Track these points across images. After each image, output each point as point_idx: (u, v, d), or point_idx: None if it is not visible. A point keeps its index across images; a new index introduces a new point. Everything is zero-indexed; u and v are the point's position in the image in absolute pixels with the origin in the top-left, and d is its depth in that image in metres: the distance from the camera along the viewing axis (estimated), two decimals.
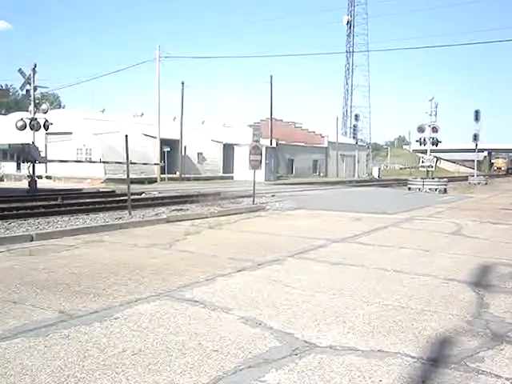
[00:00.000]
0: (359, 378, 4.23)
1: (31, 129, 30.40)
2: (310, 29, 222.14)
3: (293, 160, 64.83)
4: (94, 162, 43.00)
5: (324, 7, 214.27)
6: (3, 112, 77.90)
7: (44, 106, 31.18)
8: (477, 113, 50.73)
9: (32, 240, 11.03)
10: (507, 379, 4.26)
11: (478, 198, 28.21)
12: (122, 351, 4.71)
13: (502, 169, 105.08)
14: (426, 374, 4.35)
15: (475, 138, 52.63)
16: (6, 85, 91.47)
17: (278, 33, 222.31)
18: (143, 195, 25.35)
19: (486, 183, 48.89)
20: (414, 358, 4.68)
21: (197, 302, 6.36)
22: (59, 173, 43.66)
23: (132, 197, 16.83)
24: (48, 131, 34.61)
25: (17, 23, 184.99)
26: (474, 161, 64.63)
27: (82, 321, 5.55)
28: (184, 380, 4.14)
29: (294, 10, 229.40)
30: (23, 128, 30.43)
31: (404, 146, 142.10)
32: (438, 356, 4.75)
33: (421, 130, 38.78)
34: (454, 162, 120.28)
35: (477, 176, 53.49)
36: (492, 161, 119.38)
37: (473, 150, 72.42)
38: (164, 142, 47.19)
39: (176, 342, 4.94)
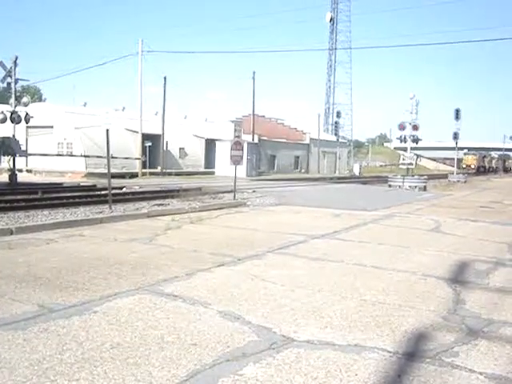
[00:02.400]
0: (336, 371, 4.29)
1: (12, 122, 30.17)
2: (294, 25, 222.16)
3: (275, 156, 64.89)
4: (74, 156, 42.82)
5: (308, 4, 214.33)
6: None
7: (25, 99, 30.99)
8: (457, 111, 51.05)
9: (11, 234, 10.97)
10: (481, 373, 4.34)
11: (458, 195, 28.45)
12: (101, 345, 4.72)
13: (472, 166, 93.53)
14: (402, 368, 4.41)
15: (455, 136, 52.97)
16: None
17: (261, 29, 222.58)
18: (124, 190, 25.28)
19: (466, 181, 49.25)
20: (390, 352, 4.74)
21: (176, 296, 6.39)
22: (40, 166, 43.39)
23: (113, 191, 16.80)
24: (29, 125, 34.40)
25: None
26: (454, 159, 64.87)
27: (60, 314, 5.56)
28: (162, 373, 4.16)
29: (277, 7, 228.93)
30: (4, 121, 30.21)
31: (385, 144, 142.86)
32: (413, 351, 4.82)
33: (402, 127, 39.02)
34: (435, 160, 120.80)
35: (456, 174, 53.87)
36: (462, 157, 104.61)
37: (453, 149, 72.87)
38: (146, 137, 47.06)
39: (155, 336, 4.97)
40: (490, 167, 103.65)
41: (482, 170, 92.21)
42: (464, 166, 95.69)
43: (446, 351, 4.82)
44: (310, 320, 5.61)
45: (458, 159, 61.02)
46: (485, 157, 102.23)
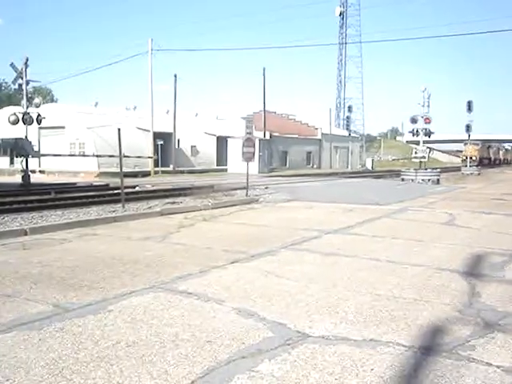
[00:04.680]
0: (351, 366, 4.27)
1: (24, 123, 30.27)
2: (303, 20, 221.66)
3: (286, 152, 64.77)
4: (87, 156, 42.95)
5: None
6: None
7: (37, 100, 31.05)
8: (469, 103, 50.80)
9: (26, 234, 11.03)
10: (498, 367, 4.31)
11: (471, 188, 28.32)
12: (116, 343, 4.74)
13: (473, 158, 78.13)
14: (418, 362, 4.39)
15: (468, 128, 52.71)
16: None
17: (270, 25, 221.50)
18: (137, 188, 25.33)
19: (479, 174, 49.03)
20: (405, 346, 4.72)
21: (190, 293, 6.39)
22: (52, 167, 43.60)
23: (125, 190, 16.83)
24: (41, 125, 34.56)
25: (6, 18, 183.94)
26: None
27: (76, 314, 5.58)
28: (177, 371, 4.17)
29: (287, 2, 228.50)
30: (16, 122, 30.32)
31: (397, 138, 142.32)
32: (429, 345, 4.79)
33: (414, 121, 38.81)
34: (448, 153, 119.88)
35: (469, 167, 53.57)
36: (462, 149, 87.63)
37: (471, 142, 72.13)
38: (157, 135, 47.14)
39: (170, 334, 4.97)
40: (496, 159, 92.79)
41: (485, 163, 79.01)
42: (464, 157, 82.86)
43: (463, 345, 4.79)
44: (325, 315, 5.59)
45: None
46: (489, 147, 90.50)
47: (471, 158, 79.12)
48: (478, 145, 78.52)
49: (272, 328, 5.17)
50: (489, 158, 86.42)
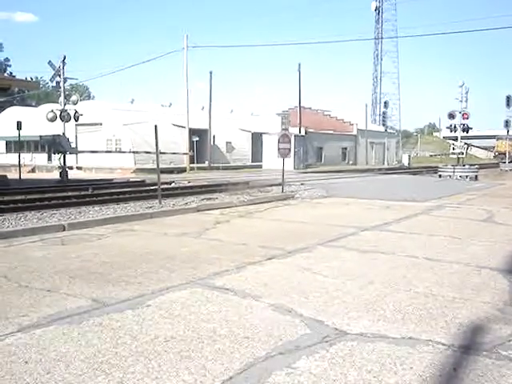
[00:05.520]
0: (390, 364, 4.23)
1: (61, 120, 30.73)
2: (339, 15, 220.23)
3: (322, 148, 64.52)
4: (123, 153, 43.32)
5: None
6: (34, 104, 78.87)
7: (74, 98, 31.47)
8: (508, 98, 50.05)
9: (64, 230, 11.18)
10: None
11: (510, 185, 27.85)
12: (155, 338, 4.76)
13: (507, 154, 70.86)
14: (458, 361, 4.33)
15: (507, 124, 51.94)
16: (36, 77, 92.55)
17: (306, 20, 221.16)
18: (173, 185, 25.52)
19: None
20: (445, 345, 4.66)
21: (227, 289, 6.40)
22: (89, 163, 44.15)
23: (162, 186, 16.94)
24: (78, 122, 34.93)
25: (43, 15, 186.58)
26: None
27: (114, 308, 5.63)
28: (215, 366, 4.17)
29: None
30: (54, 119, 30.78)
31: (434, 133, 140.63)
32: (469, 343, 4.72)
33: (451, 116, 38.32)
34: (486, 149, 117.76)
35: (508, 163, 52.71)
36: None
37: (505, 137, 70.44)
38: (193, 132, 47.40)
39: (207, 329, 4.99)
40: None
41: None
42: (496, 153, 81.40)
43: (503, 344, 4.70)
44: (363, 313, 5.55)
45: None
46: None
47: (504, 153, 73.41)
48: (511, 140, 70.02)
49: (309, 325, 5.14)
50: None
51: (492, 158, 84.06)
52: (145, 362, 4.24)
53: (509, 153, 69.44)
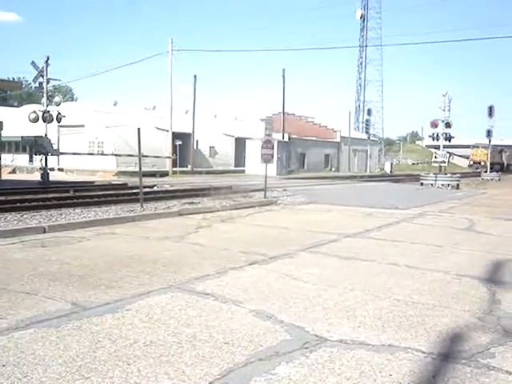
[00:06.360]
0: (370, 372, 4.23)
1: (44, 121, 30.51)
2: (323, 23, 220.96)
3: (305, 154, 64.62)
4: (105, 155, 43.11)
5: (337, 1, 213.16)
6: (16, 104, 78.26)
7: (57, 99, 31.30)
8: (490, 109, 50.55)
9: (44, 232, 11.10)
10: None
11: (491, 194, 28.08)
12: (134, 342, 4.73)
13: (482, 164, 68.84)
14: (437, 369, 4.35)
15: (488, 133, 52.40)
16: (19, 77, 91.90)
17: (291, 26, 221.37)
18: (155, 188, 25.44)
19: (499, 179, 48.65)
20: (424, 353, 4.67)
21: (208, 294, 6.39)
22: (71, 165, 43.86)
23: (144, 190, 16.87)
24: (60, 124, 34.77)
25: (27, 15, 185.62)
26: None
27: (94, 312, 5.59)
28: (195, 371, 4.15)
29: (307, 4, 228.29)
30: (36, 120, 30.57)
31: (417, 142, 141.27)
32: (448, 351, 4.74)
33: (434, 125, 38.66)
34: (468, 158, 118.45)
35: (490, 172, 53.14)
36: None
37: (481, 145, 70.79)
38: (176, 136, 47.27)
39: (187, 334, 4.97)
40: (509, 165, 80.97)
41: (497, 168, 63.95)
42: (471, 162, 76.03)
43: (482, 352, 4.73)
44: (343, 319, 5.56)
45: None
46: (502, 151, 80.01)
47: (479, 163, 71.46)
48: (487, 148, 65.15)
49: (289, 331, 5.14)
50: (501, 164, 75.19)
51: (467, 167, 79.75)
52: (124, 367, 4.21)
53: (484, 162, 67.22)
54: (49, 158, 30.14)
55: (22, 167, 48.25)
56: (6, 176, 33.79)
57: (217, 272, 7.60)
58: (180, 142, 47.98)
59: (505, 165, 78.26)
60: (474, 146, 75.62)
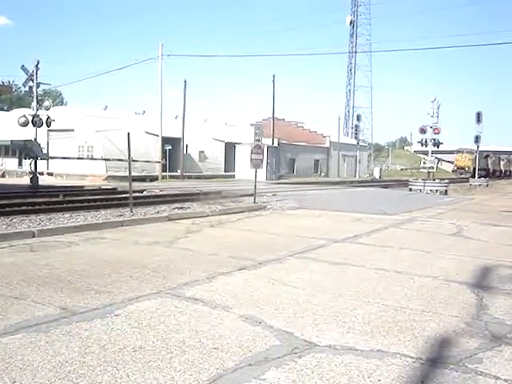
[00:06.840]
0: (358, 377, 4.25)
1: (33, 125, 30.42)
2: (313, 29, 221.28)
3: (294, 159, 64.73)
4: (95, 159, 42.97)
5: (327, 7, 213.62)
6: (5, 108, 77.92)
7: (46, 103, 31.23)
8: (478, 115, 50.82)
9: (33, 236, 11.06)
10: (506, 380, 4.28)
11: (479, 199, 28.23)
12: (123, 348, 4.73)
13: (467, 169, 68.29)
14: (425, 374, 4.37)
15: (477, 139, 52.64)
16: (9, 81, 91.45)
17: (281, 32, 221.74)
18: (145, 193, 25.40)
19: (487, 185, 48.87)
20: (412, 358, 4.70)
21: (197, 299, 6.39)
22: (61, 170, 43.67)
23: (133, 194, 16.88)
24: (50, 128, 34.63)
25: (17, 19, 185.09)
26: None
27: (83, 317, 5.58)
28: (184, 377, 4.16)
29: (297, 10, 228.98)
30: (25, 124, 30.49)
31: (405, 147, 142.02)
32: (436, 356, 4.77)
33: (422, 131, 38.81)
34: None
35: (478, 178, 53.37)
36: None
37: (465, 150, 71.03)
38: (166, 140, 47.19)
39: (176, 340, 4.97)
40: (495, 171, 79.73)
41: (482, 174, 59.79)
42: (455, 167, 74.50)
43: (470, 357, 4.76)
44: (332, 325, 5.58)
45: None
46: (488, 157, 76.64)
47: (463, 168, 70.19)
48: (472, 153, 64.51)
49: (279, 336, 5.15)
50: (486, 169, 71.03)
51: (451, 172, 78.63)
52: (113, 372, 4.21)
53: (468, 168, 66.66)
54: (38, 162, 30.02)
55: (11, 171, 47.97)
56: None
57: (206, 277, 7.60)
58: (170, 147, 47.93)
59: (490, 170, 75.92)
60: (458, 151, 74.70)
